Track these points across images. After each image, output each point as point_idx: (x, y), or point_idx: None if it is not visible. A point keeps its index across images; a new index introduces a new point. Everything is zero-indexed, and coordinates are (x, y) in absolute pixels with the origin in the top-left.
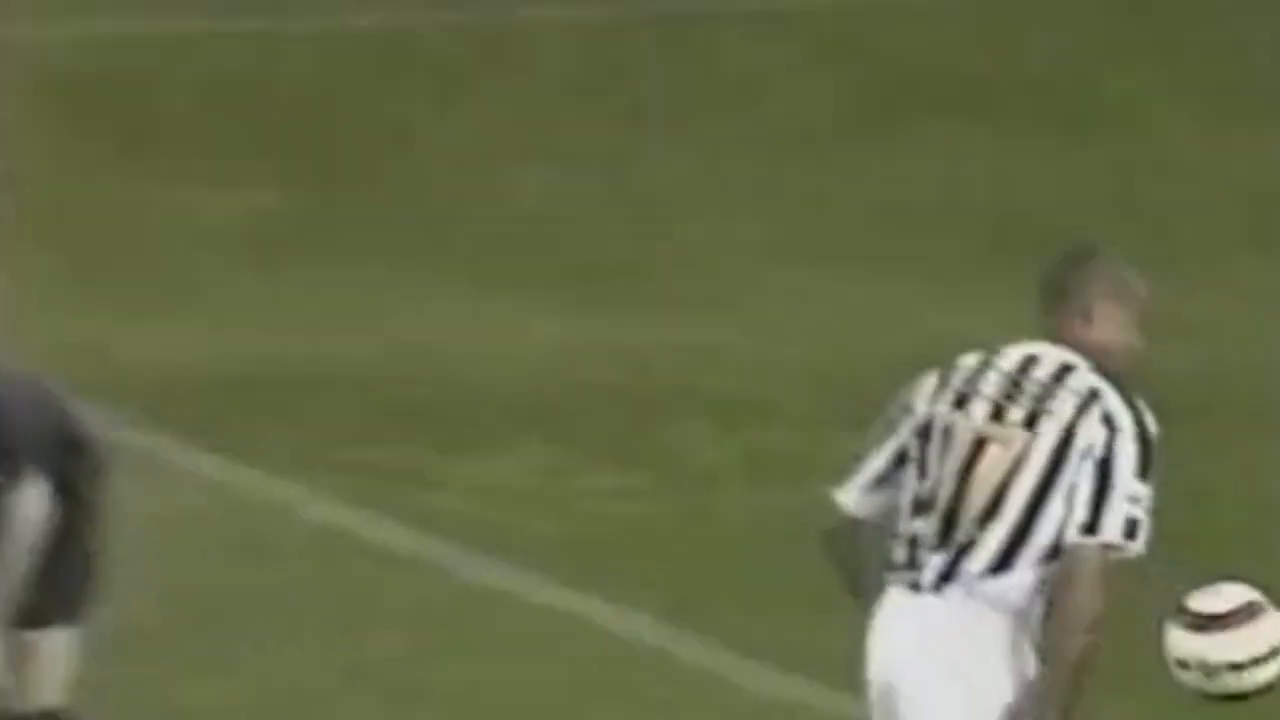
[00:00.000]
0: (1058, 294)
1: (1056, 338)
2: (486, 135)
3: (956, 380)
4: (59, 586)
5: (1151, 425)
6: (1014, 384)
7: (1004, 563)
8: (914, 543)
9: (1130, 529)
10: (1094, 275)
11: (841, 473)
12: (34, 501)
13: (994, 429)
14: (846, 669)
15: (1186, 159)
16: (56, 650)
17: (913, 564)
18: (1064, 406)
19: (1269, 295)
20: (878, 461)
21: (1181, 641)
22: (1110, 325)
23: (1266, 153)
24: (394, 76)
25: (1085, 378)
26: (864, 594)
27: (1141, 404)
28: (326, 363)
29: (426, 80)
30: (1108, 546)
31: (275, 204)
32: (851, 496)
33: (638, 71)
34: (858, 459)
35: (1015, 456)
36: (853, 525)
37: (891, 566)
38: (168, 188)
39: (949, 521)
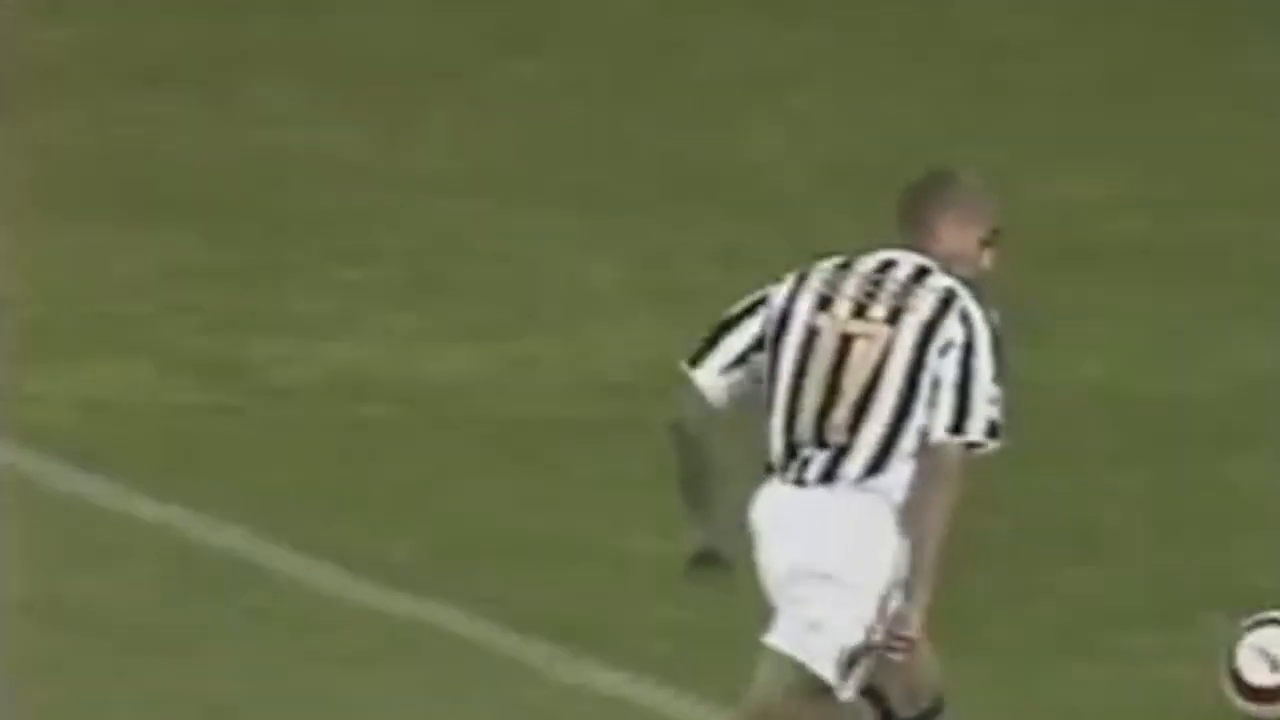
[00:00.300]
0: (908, 212)
1: (906, 248)
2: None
3: (816, 281)
4: None
5: (992, 330)
6: (874, 283)
7: (879, 463)
8: (792, 438)
9: (991, 429)
10: (942, 193)
11: (694, 354)
12: None
13: (858, 325)
14: (412, 571)
15: None
16: None
17: (794, 459)
18: (923, 303)
19: None
20: (736, 342)
21: (1247, 708)
22: (957, 238)
23: None
24: None
25: (941, 279)
26: (709, 497)
27: (991, 312)
28: None
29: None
30: (971, 445)
31: None
32: (709, 375)
33: None
34: (709, 342)
35: (880, 351)
36: (705, 410)
37: (771, 461)
38: None
39: (822, 419)
